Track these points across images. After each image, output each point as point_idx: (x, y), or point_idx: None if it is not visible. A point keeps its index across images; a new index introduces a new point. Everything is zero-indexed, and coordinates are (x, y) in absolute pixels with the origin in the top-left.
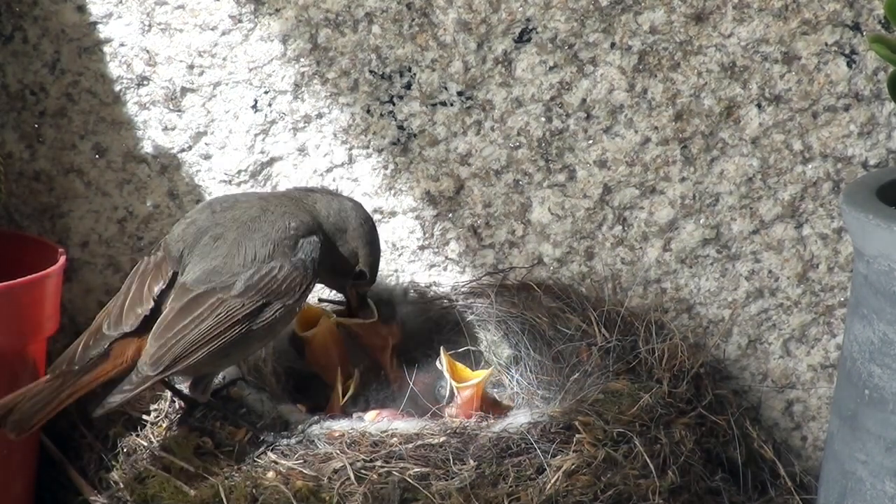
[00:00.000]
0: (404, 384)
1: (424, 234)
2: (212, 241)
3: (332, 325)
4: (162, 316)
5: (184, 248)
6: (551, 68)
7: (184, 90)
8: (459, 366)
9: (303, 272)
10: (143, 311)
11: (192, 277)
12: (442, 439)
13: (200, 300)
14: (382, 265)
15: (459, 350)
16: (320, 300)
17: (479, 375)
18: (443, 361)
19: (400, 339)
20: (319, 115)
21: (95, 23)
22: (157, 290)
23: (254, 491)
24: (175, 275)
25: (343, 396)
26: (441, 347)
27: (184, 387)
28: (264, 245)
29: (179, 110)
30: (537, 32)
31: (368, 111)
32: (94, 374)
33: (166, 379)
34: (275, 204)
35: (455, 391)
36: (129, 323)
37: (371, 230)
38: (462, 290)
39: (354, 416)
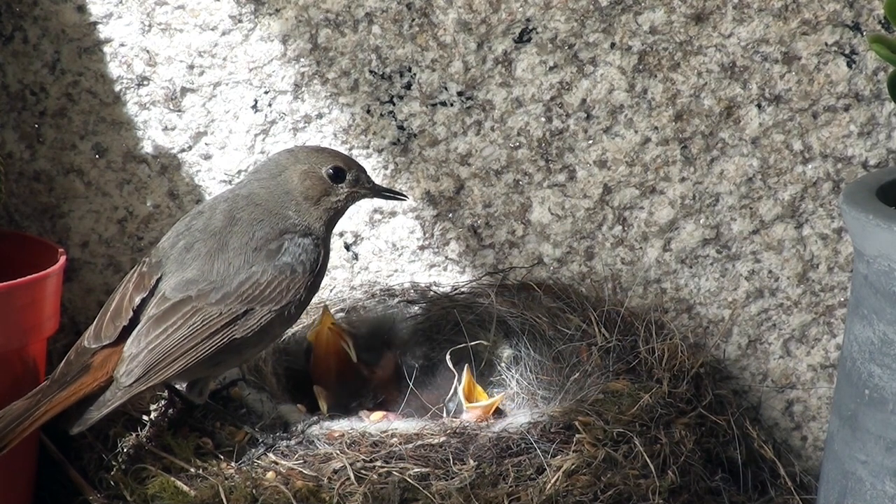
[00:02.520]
0: (401, 397)
1: (424, 234)
2: (185, 250)
3: (331, 332)
4: (138, 326)
5: (162, 256)
6: (551, 68)
7: (184, 90)
8: (479, 388)
9: (290, 276)
10: (121, 322)
11: (170, 286)
12: (442, 439)
13: (176, 308)
14: (382, 265)
15: (471, 343)
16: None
17: (489, 400)
18: (462, 378)
19: (389, 375)
20: (319, 115)
21: (95, 23)
22: (137, 300)
23: (254, 491)
24: (157, 283)
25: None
26: (466, 366)
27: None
28: (238, 254)
29: (179, 110)
30: (537, 32)
31: (368, 111)
32: (74, 388)
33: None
34: (240, 208)
35: (464, 408)
36: (109, 334)
37: (304, 146)
38: (462, 290)
39: (361, 413)
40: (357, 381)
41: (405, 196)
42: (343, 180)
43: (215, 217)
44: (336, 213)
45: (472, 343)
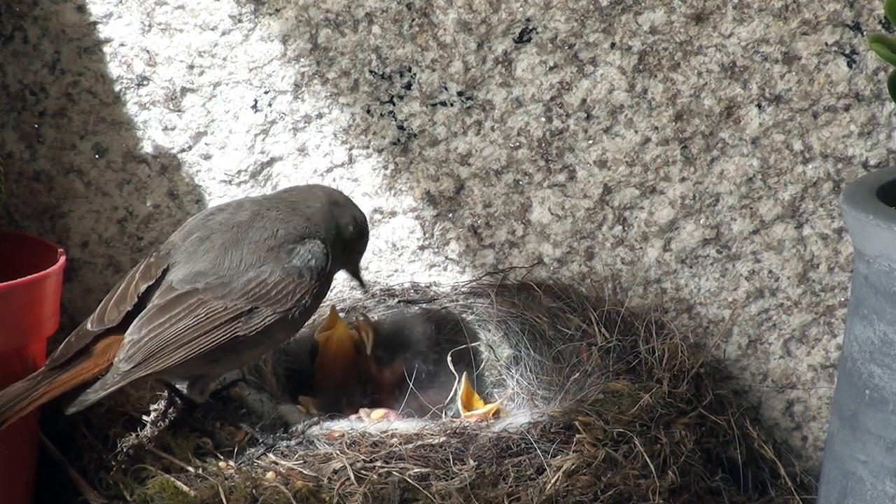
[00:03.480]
0: (401, 399)
1: (424, 234)
2: (199, 242)
3: (347, 334)
4: (142, 312)
5: (171, 248)
6: (551, 68)
7: (184, 90)
8: (476, 396)
9: (297, 279)
10: (125, 307)
11: (178, 277)
12: (442, 439)
13: (182, 299)
14: (382, 265)
15: (463, 347)
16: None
17: (487, 407)
18: (460, 387)
19: (396, 379)
20: (319, 115)
21: (95, 23)
22: (143, 287)
23: (254, 491)
24: (164, 273)
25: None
26: (464, 374)
27: (182, 387)
28: (253, 251)
29: (179, 110)
30: (537, 32)
31: (368, 111)
32: (74, 371)
33: (164, 380)
34: (267, 208)
35: (461, 416)
36: (112, 319)
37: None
38: (462, 290)
39: (361, 411)
40: (359, 381)
41: (367, 288)
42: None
43: (240, 213)
44: (339, 249)
45: (473, 344)
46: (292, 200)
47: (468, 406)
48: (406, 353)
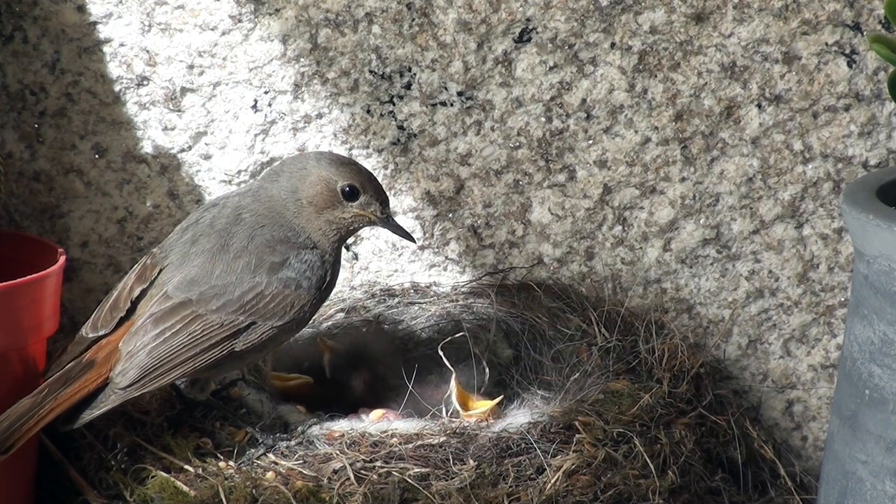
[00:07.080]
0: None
1: (424, 234)
2: (190, 245)
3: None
4: (138, 322)
5: (168, 247)
6: (551, 68)
7: (184, 90)
8: (471, 396)
9: (294, 291)
10: (119, 313)
11: (172, 283)
12: (442, 439)
13: (176, 311)
14: (382, 265)
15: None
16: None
17: (486, 405)
18: (453, 391)
19: (359, 393)
20: (319, 115)
21: (95, 23)
22: (137, 290)
23: (254, 491)
24: (159, 273)
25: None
26: (453, 376)
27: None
28: (238, 258)
29: (179, 110)
30: (537, 32)
31: (368, 111)
32: (79, 384)
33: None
34: (245, 206)
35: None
36: (106, 325)
37: (332, 155)
38: (462, 290)
39: (360, 411)
40: (334, 395)
41: (414, 239)
42: (354, 200)
43: (223, 212)
44: (339, 230)
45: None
46: (263, 201)
47: (465, 407)
48: (358, 369)
